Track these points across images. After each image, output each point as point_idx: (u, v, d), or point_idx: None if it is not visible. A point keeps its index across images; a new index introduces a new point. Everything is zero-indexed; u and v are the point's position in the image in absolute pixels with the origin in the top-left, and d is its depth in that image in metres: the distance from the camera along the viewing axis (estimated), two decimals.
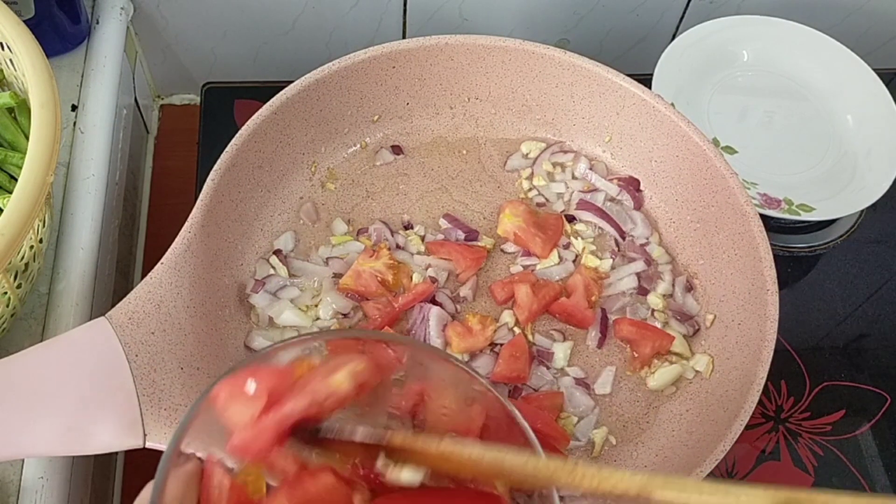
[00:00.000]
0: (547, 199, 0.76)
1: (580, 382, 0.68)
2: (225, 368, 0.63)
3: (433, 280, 0.70)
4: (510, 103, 0.78)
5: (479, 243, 0.73)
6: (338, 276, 0.70)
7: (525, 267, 0.72)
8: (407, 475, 0.39)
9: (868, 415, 0.76)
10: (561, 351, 0.68)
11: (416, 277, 0.70)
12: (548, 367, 0.68)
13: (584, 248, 0.73)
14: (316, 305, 0.68)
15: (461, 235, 0.73)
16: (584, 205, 0.75)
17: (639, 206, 0.75)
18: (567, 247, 0.74)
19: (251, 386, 0.39)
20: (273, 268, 0.70)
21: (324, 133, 0.74)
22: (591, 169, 0.77)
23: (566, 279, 0.72)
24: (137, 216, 0.90)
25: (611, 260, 0.73)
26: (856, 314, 0.81)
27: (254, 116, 0.67)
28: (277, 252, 0.70)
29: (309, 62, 0.73)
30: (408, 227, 0.74)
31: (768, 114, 0.87)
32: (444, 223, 0.74)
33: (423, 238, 0.73)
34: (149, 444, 0.53)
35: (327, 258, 0.71)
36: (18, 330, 0.64)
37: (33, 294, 0.65)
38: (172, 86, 0.98)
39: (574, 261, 0.73)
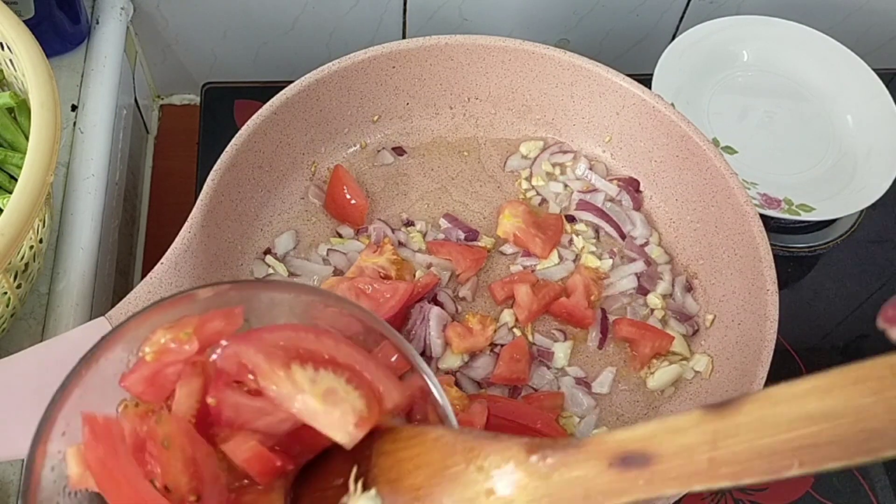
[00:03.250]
0: (546, 200, 0.76)
1: (580, 382, 0.68)
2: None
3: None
4: (510, 103, 0.78)
5: (479, 243, 0.73)
6: (338, 273, 0.70)
7: (525, 267, 0.72)
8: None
9: None
10: (561, 351, 0.68)
11: (418, 274, 0.70)
12: (548, 367, 0.68)
13: (583, 249, 0.73)
14: None
15: (461, 235, 0.73)
16: (584, 205, 0.75)
17: (638, 206, 0.75)
18: (567, 247, 0.74)
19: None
20: (270, 267, 0.70)
21: (324, 133, 0.74)
22: (590, 169, 0.77)
23: (566, 279, 0.72)
24: (137, 216, 0.90)
25: (611, 260, 0.73)
26: (856, 314, 0.81)
27: (254, 116, 0.67)
28: (269, 251, 0.70)
29: (309, 62, 0.73)
30: (408, 224, 0.74)
31: (768, 114, 0.87)
32: (444, 223, 0.74)
33: (424, 235, 0.73)
34: None
35: (327, 257, 0.71)
36: (18, 330, 0.64)
37: (33, 294, 0.65)
38: (172, 86, 0.98)
39: (574, 261, 0.73)
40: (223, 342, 0.40)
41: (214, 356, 0.40)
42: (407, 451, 0.38)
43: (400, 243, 0.72)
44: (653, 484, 0.31)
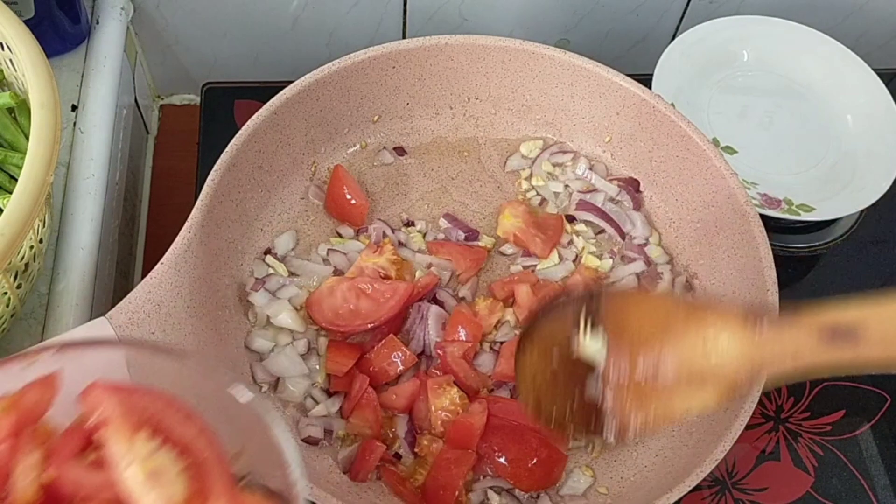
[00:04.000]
0: (546, 200, 0.76)
1: None
2: (225, 368, 0.63)
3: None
4: (510, 103, 0.78)
5: (479, 243, 0.73)
6: (339, 273, 0.70)
7: (525, 267, 0.72)
8: (593, 344, 0.43)
9: (868, 415, 0.76)
10: None
11: (418, 274, 0.70)
12: None
13: (583, 249, 0.73)
14: None
15: (461, 235, 0.73)
16: (584, 205, 0.75)
17: (638, 206, 0.75)
18: (567, 247, 0.74)
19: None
20: (270, 267, 0.70)
21: (324, 133, 0.74)
22: (590, 169, 0.77)
23: (566, 279, 0.72)
24: (137, 216, 0.90)
25: (611, 260, 0.73)
26: None
27: (254, 116, 0.67)
28: (269, 251, 0.71)
29: (309, 62, 0.73)
30: (409, 224, 0.74)
31: (768, 114, 0.87)
32: (444, 223, 0.74)
33: (424, 235, 0.73)
34: None
35: (327, 257, 0.71)
36: (18, 330, 0.64)
37: (33, 294, 0.65)
38: (172, 86, 0.98)
39: (574, 261, 0.73)
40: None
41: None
42: (634, 305, 0.44)
43: (400, 243, 0.72)
44: (857, 359, 0.36)
